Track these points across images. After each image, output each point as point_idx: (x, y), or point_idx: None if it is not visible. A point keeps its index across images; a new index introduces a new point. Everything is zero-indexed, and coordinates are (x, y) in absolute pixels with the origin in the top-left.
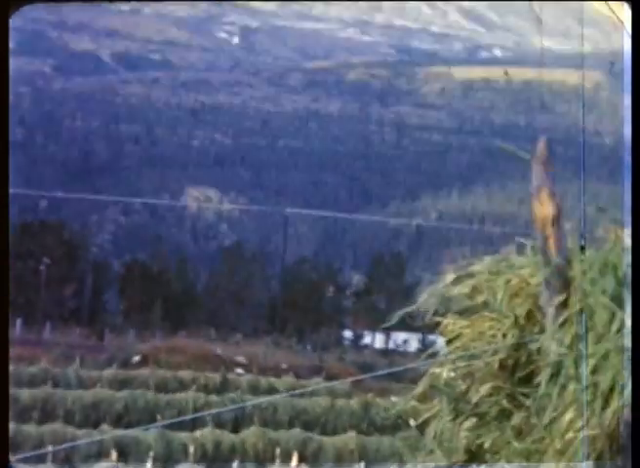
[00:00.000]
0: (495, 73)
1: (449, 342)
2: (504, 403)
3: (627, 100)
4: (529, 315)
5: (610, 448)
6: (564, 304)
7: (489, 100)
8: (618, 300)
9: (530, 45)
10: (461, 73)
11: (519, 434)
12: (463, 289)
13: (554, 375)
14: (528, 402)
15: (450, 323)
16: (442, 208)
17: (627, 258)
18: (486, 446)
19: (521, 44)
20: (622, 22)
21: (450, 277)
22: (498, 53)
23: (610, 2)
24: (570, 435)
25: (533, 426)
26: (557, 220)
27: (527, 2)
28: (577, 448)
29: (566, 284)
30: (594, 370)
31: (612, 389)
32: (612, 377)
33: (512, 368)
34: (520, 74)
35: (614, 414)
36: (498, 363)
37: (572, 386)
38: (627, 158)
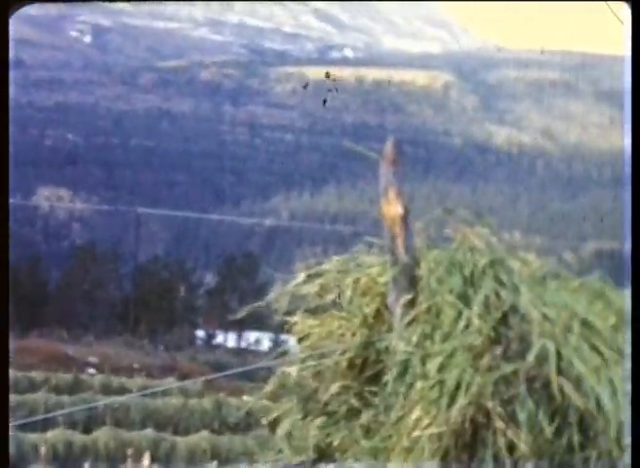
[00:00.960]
0: (346, 73)
1: (299, 341)
2: (353, 401)
3: (474, 101)
4: (377, 314)
5: (455, 445)
6: (411, 303)
7: (340, 100)
8: (464, 299)
9: (380, 46)
10: (313, 73)
11: (367, 432)
12: (313, 287)
13: (401, 374)
14: (376, 400)
15: (299, 322)
16: (294, 207)
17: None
18: (335, 444)
19: (372, 45)
20: (622, 22)
21: (300, 276)
22: (349, 53)
23: (610, 2)
24: (417, 433)
25: (381, 424)
26: (405, 220)
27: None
28: (423, 445)
29: (413, 283)
30: (441, 368)
31: (458, 387)
32: (458, 375)
33: (361, 366)
34: (371, 74)
35: (459, 412)
36: (347, 362)
37: (419, 384)
38: (628, 155)
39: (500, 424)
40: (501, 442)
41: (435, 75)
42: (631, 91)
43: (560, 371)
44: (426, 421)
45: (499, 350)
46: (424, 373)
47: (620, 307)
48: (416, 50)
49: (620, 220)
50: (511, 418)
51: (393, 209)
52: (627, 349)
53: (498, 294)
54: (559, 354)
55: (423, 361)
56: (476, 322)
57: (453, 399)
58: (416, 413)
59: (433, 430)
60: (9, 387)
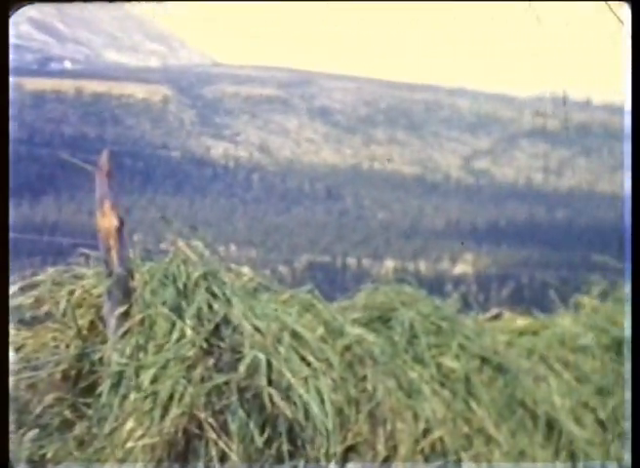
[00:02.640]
0: (65, 85)
1: (15, 353)
2: (67, 413)
3: (192, 115)
4: (92, 325)
5: (169, 456)
6: (126, 315)
7: (59, 112)
8: (177, 311)
9: (100, 58)
10: (32, 84)
11: (81, 444)
12: (27, 299)
13: (115, 385)
14: (90, 412)
15: (13, 334)
16: (12, 218)
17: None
18: (49, 456)
19: (91, 57)
20: (623, 22)
21: (14, 287)
22: (68, 65)
23: (610, 2)
24: (130, 444)
25: (94, 436)
26: (120, 232)
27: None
28: (137, 456)
29: (128, 294)
30: (154, 380)
31: (171, 398)
32: (171, 386)
33: (75, 378)
34: (91, 87)
35: (172, 422)
36: (61, 373)
37: (132, 395)
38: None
39: (211, 434)
40: (213, 452)
41: (154, 89)
42: (631, 91)
43: (270, 382)
44: (140, 432)
45: (211, 361)
46: (138, 385)
47: (327, 318)
48: (135, 63)
49: (332, 233)
50: (223, 428)
51: (108, 221)
52: (627, 349)
53: (210, 306)
54: (270, 365)
55: (137, 372)
56: (189, 333)
57: (166, 410)
58: (129, 425)
59: (146, 441)
60: (9, 387)
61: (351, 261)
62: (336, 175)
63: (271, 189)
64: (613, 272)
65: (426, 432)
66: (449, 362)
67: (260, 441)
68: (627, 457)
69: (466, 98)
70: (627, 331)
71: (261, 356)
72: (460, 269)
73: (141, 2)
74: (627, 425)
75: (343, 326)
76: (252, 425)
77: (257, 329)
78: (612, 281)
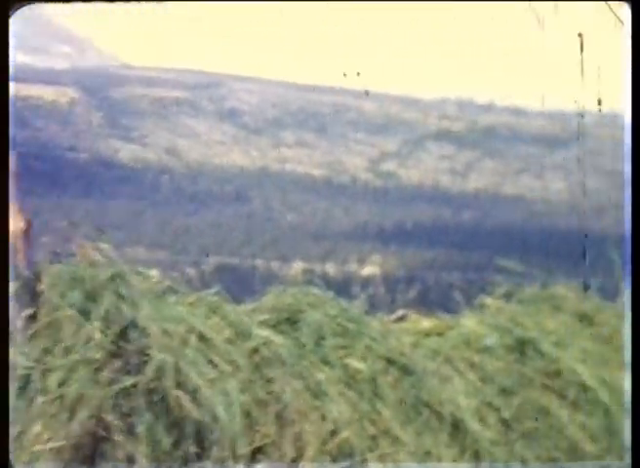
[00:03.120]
0: None
1: None
2: None
3: (100, 117)
4: None
5: (76, 459)
6: (33, 317)
7: None
8: (85, 313)
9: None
10: None
11: None
12: None
13: (22, 389)
14: None
15: None
16: None
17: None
18: None
19: None
20: (622, 22)
21: None
22: None
23: (610, 2)
24: (38, 447)
25: None
26: (27, 234)
27: None
28: (44, 459)
29: (35, 297)
30: (61, 383)
31: (78, 401)
32: (78, 389)
33: None
34: None
35: (80, 425)
36: None
37: (39, 399)
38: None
39: (119, 437)
40: (121, 454)
41: (62, 91)
42: (631, 92)
43: (178, 384)
44: (47, 436)
45: (118, 364)
46: (45, 388)
47: (234, 320)
48: (43, 65)
49: (241, 235)
50: (130, 431)
51: (15, 223)
52: (628, 350)
53: (118, 309)
54: (177, 367)
55: (44, 375)
56: (97, 336)
57: (73, 413)
58: (36, 428)
59: (54, 444)
60: (9, 387)
61: (260, 263)
62: (244, 177)
63: (180, 191)
64: (516, 273)
65: (333, 433)
66: (355, 363)
67: (167, 443)
68: (627, 457)
69: (373, 101)
70: (627, 335)
71: (169, 358)
72: (367, 271)
73: (141, 2)
74: (530, 424)
75: (251, 328)
76: (159, 427)
77: (164, 331)
78: (516, 282)
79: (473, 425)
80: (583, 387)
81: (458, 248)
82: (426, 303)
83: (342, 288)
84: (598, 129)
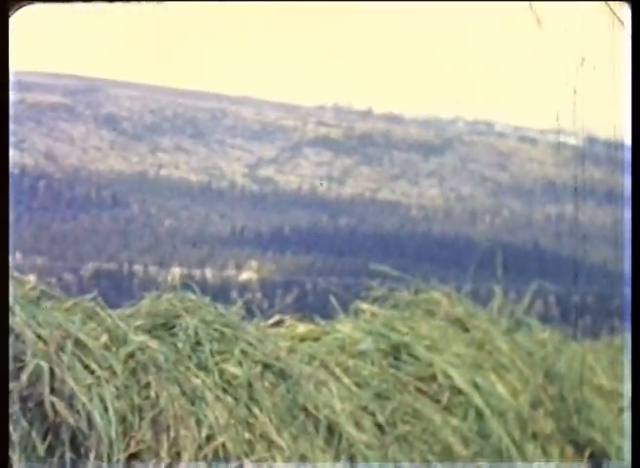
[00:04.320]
0: None
1: None
2: None
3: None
4: None
5: None
6: None
7: None
8: None
9: None
10: None
11: None
12: None
13: None
14: None
15: None
16: None
17: None
18: None
19: None
20: (622, 22)
21: None
22: None
23: (610, 2)
24: None
25: None
26: None
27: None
28: None
29: None
30: None
31: None
32: None
33: None
34: None
35: None
36: None
37: None
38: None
39: None
40: None
41: None
42: (631, 92)
43: (53, 390)
44: None
45: None
46: None
47: (110, 326)
48: None
49: (119, 241)
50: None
51: None
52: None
53: None
54: (52, 373)
55: None
56: None
57: None
58: None
59: None
60: (9, 386)
61: (138, 269)
62: (122, 182)
63: (57, 197)
64: (392, 278)
65: (209, 438)
66: (231, 368)
67: (42, 449)
68: (627, 457)
69: (251, 107)
70: (626, 336)
71: (44, 364)
72: (245, 276)
73: (141, 2)
74: (404, 428)
75: (127, 333)
76: (34, 434)
77: (39, 337)
78: (391, 287)
79: (348, 429)
80: (457, 391)
81: (334, 253)
82: (303, 308)
83: (221, 293)
84: (471, 136)
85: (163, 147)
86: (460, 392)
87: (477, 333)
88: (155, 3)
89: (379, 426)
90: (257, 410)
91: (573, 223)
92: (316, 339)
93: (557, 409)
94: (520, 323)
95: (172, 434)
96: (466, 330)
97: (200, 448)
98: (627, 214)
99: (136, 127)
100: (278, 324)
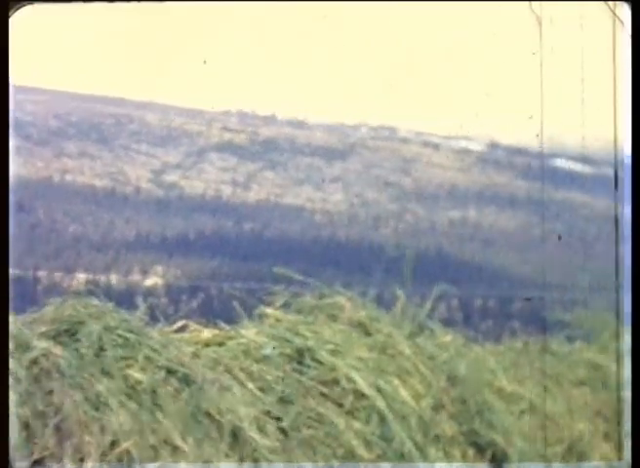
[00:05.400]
0: None
1: None
2: None
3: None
4: None
5: None
6: None
7: None
8: None
9: None
10: None
11: None
12: None
13: None
14: None
15: None
16: None
17: None
18: None
19: None
20: (623, 22)
21: None
22: None
23: (610, 2)
24: None
25: None
26: None
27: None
28: None
29: None
30: None
31: None
32: None
33: None
34: None
35: None
36: None
37: None
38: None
39: None
40: None
41: None
42: (631, 93)
43: None
44: None
45: None
46: None
47: (14, 332)
48: None
49: (24, 247)
50: None
51: None
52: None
53: None
54: None
55: None
56: None
57: None
58: None
59: None
60: (9, 386)
61: (42, 274)
62: (27, 187)
63: None
64: (296, 283)
65: (114, 444)
66: (136, 374)
67: None
68: (627, 457)
69: (156, 112)
70: (627, 338)
71: None
72: (150, 281)
73: (141, 2)
74: (308, 432)
75: (31, 339)
76: None
77: None
78: (295, 292)
79: (252, 434)
80: (360, 395)
81: (239, 258)
82: (208, 313)
83: (126, 298)
84: (375, 141)
85: (68, 153)
86: (363, 396)
87: (380, 338)
88: (156, 3)
89: (282, 431)
90: (160, 416)
91: (475, 228)
92: (220, 344)
93: (459, 411)
94: (423, 327)
95: (75, 440)
96: (369, 334)
97: (104, 453)
98: (528, 218)
99: (41, 132)
100: (182, 329)
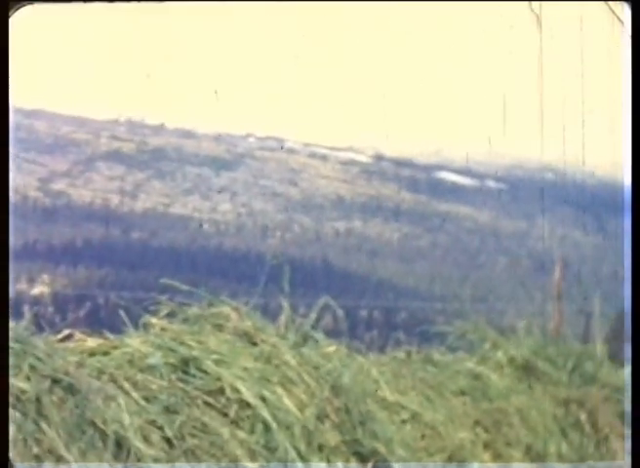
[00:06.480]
0: None
1: None
2: None
3: None
4: None
5: None
6: None
7: None
8: None
9: None
10: None
11: None
12: None
13: None
14: None
15: None
16: None
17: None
18: None
19: None
20: (622, 22)
21: None
22: None
23: (610, 2)
24: None
25: None
26: None
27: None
28: None
29: None
30: None
31: None
32: None
33: None
34: None
35: None
36: None
37: None
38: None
39: None
40: None
41: None
42: (631, 94)
43: None
44: None
45: None
46: None
47: None
48: None
49: None
50: None
51: None
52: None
53: None
54: None
55: None
56: None
57: None
58: None
59: None
60: (9, 386)
61: None
62: None
63: None
64: (182, 293)
65: None
66: (20, 383)
67: None
68: (627, 457)
69: (44, 120)
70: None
71: None
72: (37, 290)
73: (141, 2)
74: (193, 442)
75: None
76: None
77: None
78: (181, 302)
79: (137, 443)
80: (244, 404)
81: (127, 267)
82: (95, 322)
83: (13, 307)
84: (263, 152)
85: None
86: (247, 405)
87: (265, 347)
88: (156, 3)
89: (167, 440)
90: (45, 426)
91: (361, 239)
92: (105, 354)
93: (342, 421)
94: (307, 337)
95: None
96: (255, 344)
97: None
98: (413, 230)
99: None
100: (68, 338)
